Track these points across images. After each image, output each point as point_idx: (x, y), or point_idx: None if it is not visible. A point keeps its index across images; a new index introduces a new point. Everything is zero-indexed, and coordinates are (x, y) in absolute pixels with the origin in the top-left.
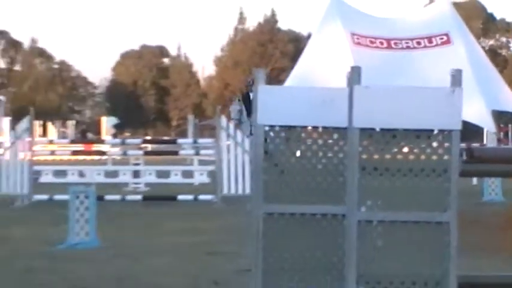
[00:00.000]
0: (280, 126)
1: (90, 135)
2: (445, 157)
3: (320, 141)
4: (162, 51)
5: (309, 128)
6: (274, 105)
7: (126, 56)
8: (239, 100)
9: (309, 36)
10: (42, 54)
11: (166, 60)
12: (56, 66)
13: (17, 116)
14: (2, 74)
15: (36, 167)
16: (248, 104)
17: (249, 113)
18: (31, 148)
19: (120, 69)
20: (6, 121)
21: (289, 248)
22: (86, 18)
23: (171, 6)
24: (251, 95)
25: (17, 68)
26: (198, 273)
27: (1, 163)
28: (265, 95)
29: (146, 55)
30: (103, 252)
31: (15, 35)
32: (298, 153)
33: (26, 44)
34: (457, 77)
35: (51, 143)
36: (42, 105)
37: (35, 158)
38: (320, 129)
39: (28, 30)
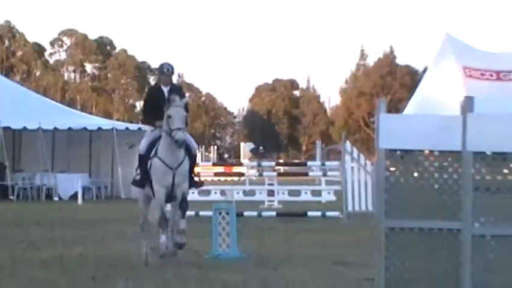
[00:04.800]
0: (400, 150)
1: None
2: None
3: (436, 164)
4: (293, 84)
5: (426, 151)
6: (394, 131)
7: (260, 89)
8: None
9: (425, 69)
10: (190, 87)
11: (296, 92)
12: (202, 98)
13: None
14: None
15: None
16: (157, 97)
17: (157, 107)
18: None
19: (256, 100)
20: None
21: (410, 259)
22: (226, 56)
23: (300, 43)
24: (164, 88)
25: None
26: (328, 283)
27: None
28: (386, 122)
29: (279, 87)
30: (244, 263)
31: None
32: (420, 169)
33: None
34: None
35: (196, 166)
36: (189, 132)
37: None
38: (436, 153)
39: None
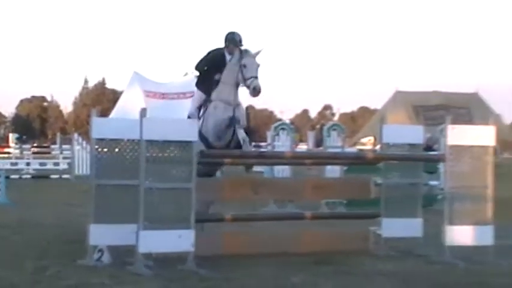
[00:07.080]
0: (107, 139)
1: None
2: (189, 155)
3: (129, 145)
4: (43, 98)
5: (124, 139)
6: (103, 127)
7: (24, 100)
8: None
9: (122, 91)
10: None
11: (46, 103)
12: None
13: None
14: None
15: None
16: (219, 61)
17: (215, 70)
18: None
19: (20, 108)
20: None
21: (112, 202)
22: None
23: (45, 70)
24: (227, 56)
25: None
26: (61, 216)
27: None
28: (98, 122)
29: (35, 100)
30: (10, 207)
31: None
32: (116, 150)
33: None
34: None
35: None
36: None
37: None
38: (127, 140)
39: None
